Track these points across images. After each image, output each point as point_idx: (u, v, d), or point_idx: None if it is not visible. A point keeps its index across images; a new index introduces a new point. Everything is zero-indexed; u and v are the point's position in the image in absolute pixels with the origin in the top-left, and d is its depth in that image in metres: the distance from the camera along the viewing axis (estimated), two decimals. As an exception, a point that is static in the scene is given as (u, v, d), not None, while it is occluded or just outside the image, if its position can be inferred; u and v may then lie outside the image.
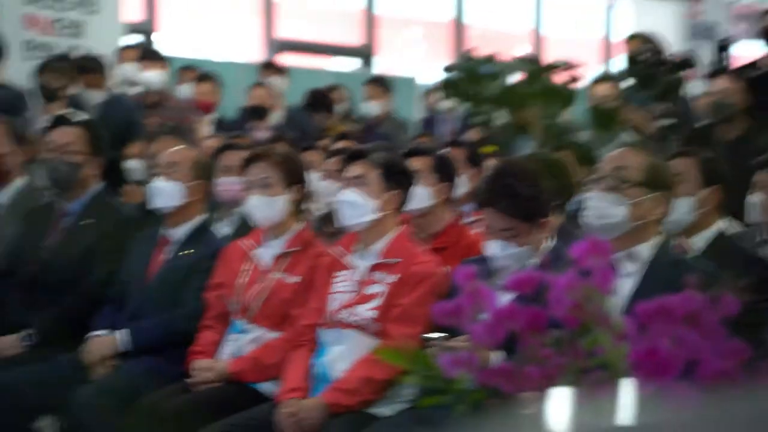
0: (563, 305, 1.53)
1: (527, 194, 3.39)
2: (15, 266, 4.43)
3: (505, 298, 1.93)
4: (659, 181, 3.14)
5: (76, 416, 3.82)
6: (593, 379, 1.47)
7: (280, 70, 8.75)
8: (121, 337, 4.05)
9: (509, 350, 1.55)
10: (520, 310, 1.58)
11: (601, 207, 3.12)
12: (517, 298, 1.68)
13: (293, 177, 3.98)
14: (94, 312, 4.20)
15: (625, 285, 3.01)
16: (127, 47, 8.26)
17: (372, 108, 8.79)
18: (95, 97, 7.13)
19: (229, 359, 3.86)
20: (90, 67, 7.19)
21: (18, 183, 4.83)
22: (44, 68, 6.94)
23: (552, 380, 1.52)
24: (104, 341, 4.06)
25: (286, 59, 11.37)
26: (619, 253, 3.05)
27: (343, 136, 6.04)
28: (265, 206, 3.94)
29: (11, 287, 4.38)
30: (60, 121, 4.58)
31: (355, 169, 3.75)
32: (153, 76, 7.47)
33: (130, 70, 7.80)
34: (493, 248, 3.40)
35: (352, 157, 3.82)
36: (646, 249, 3.10)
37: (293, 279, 3.91)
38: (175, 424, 3.58)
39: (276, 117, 8.24)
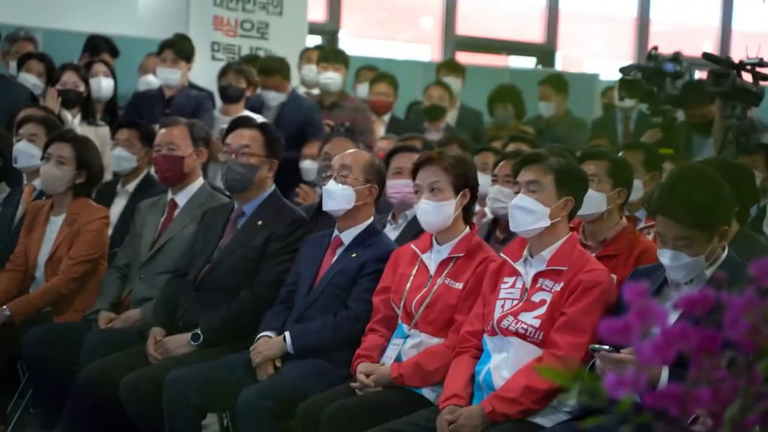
0: (740, 327, 1.44)
1: (704, 202, 3.26)
2: (189, 266, 4.55)
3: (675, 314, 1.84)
4: None
5: (241, 416, 3.89)
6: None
7: (457, 70, 8.71)
8: (288, 338, 4.10)
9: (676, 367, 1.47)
10: (693, 331, 1.50)
11: None
12: (687, 316, 1.59)
13: (463, 181, 3.94)
14: (263, 313, 4.27)
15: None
16: (309, 49, 8.38)
17: (545, 108, 8.65)
18: (276, 98, 7.26)
19: (392, 364, 3.85)
20: (273, 69, 7.32)
21: (196, 184, 4.95)
22: (227, 70, 7.12)
23: (724, 404, 1.45)
24: (272, 342, 4.12)
25: (464, 57, 11.35)
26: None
27: (515, 138, 5.95)
28: (433, 211, 3.91)
29: (185, 287, 4.50)
30: (237, 124, 4.66)
31: (529, 174, 3.68)
32: (331, 77, 7.56)
33: (310, 71, 7.92)
34: (666, 258, 3.29)
35: (526, 161, 3.75)
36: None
37: (457, 285, 3.87)
38: (337, 426, 3.60)
39: (451, 117, 8.21)
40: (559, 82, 8.77)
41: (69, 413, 4.41)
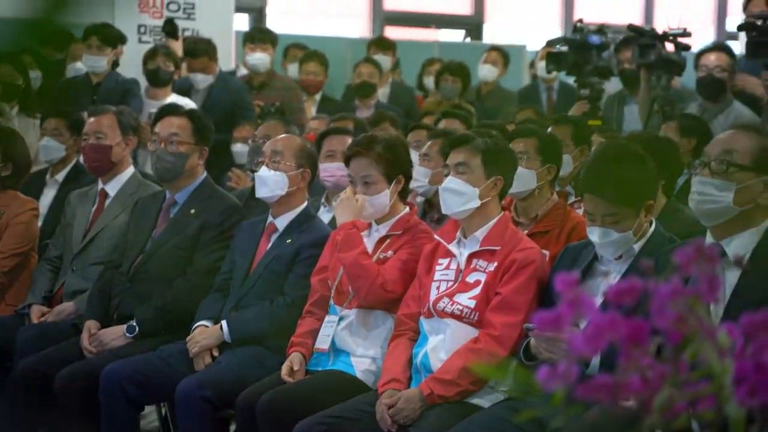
0: (666, 316, 1.47)
1: (629, 178, 3.31)
2: (123, 257, 4.52)
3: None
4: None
5: (180, 407, 3.88)
6: (696, 392, 1.42)
7: (387, 46, 8.70)
8: (225, 327, 4.09)
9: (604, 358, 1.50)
10: (621, 321, 1.52)
11: (706, 192, 3.02)
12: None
13: (395, 169, 3.94)
14: (199, 302, 4.26)
15: (727, 279, 2.91)
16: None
17: (489, 72, 8.65)
18: (204, 80, 7.20)
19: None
20: (199, 51, 7.25)
21: (126, 173, 4.91)
22: (155, 53, 7.04)
23: (653, 392, 1.48)
24: (209, 331, 4.11)
25: (393, 32, 11.34)
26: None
27: (448, 114, 5.97)
28: (368, 205, 3.92)
29: (119, 278, 4.47)
30: (165, 112, 4.62)
31: (457, 156, 3.70)
32: (259, 58, 7.51)
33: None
34: (595, 235, 3.33)
35: (454, 143, 3.77)
36: (751, 236, 2.99)
37: (387, 255, 3.88)
38: (275, 415, 3.60)
39: (383, 93, 8.21)
40: (505, 55, 8.82)
41: (3, 410, 4.36)
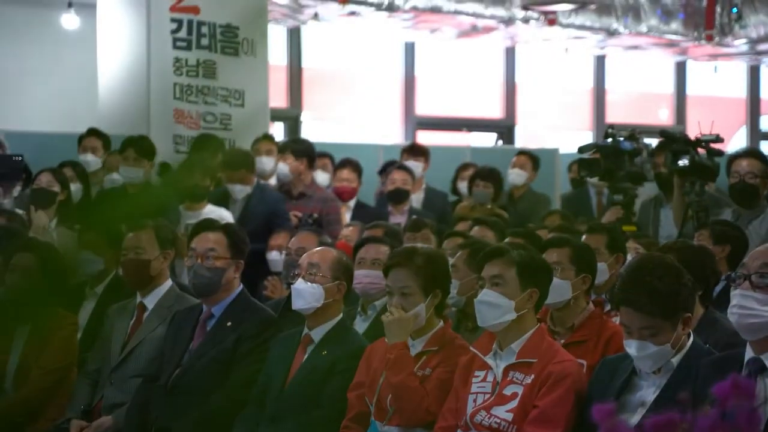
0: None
1: (667, 291, 3.31)
2: (160, 370, 4.55)
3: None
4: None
5: None
6: None
7: (419, 153, 8.77)
8: (262, 441, 4.09)
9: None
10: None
11: (748, 306, 3.02)
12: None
13: (433, 283, 3.96)
14: (236, 415, 4.26)
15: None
16: (258, 140, 8.21)
17: (518, 177, 8.71)
18: (242, 191, 7.28)
19: None
20: (237, 163, 7.34)
21: (164, 286, 4.96)
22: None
23: None
24: (246, 448, 4.11)
25: (425, 136, 11.47)
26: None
27: (479, 221, 6.01)
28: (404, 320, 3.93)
29: (157, 391, 4.49)
30: (201, 227, 4.70)
31: (492, 269, 3.73)
32: (285, 167, 7.63)
33: (262, 162, 7.86)
34: (633, 348, 3.33)
35: (488, 255, 3.79)
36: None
37: (425, 372, 3.88)
38: None
39: (416, 199, 8.27)
40: (534, 159, 8.90)
41: None
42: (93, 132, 7.81)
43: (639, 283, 3.34)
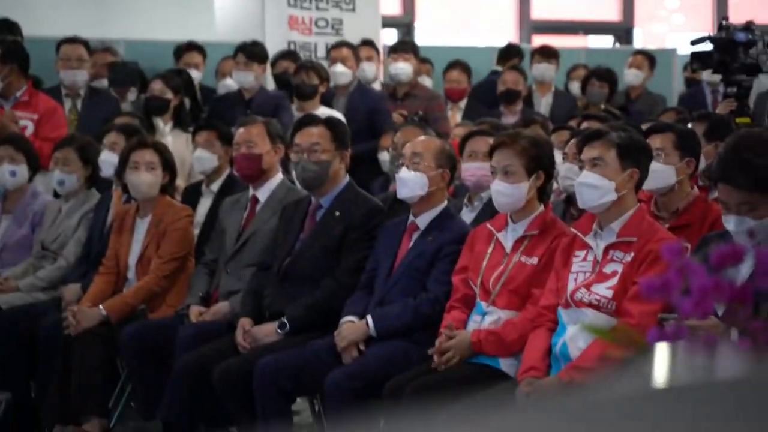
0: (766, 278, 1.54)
1: (764, 166, 3.31)
2: (273, 259, 4.72)
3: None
4: None
5: (329, 398, 4.05)
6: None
7: (549, 55, 8.65)
8: (370, 322, 4.24)
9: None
10: (724, 284, 1.59)
11: None
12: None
13: (537, 163, 4.02)
14: (346, 299, 4.42)
15: None
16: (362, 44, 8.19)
17: (634, 77, 8.63)
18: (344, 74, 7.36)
19: (473, 330, 3.95)
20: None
21: (276, 180, 5.11)
22: (299, 69, 7.27)
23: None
24: (355, 327, 4.26)
25: (540, 40, 11.34)
26: None
27: (587, 116, 6.00)
28: (506, 193, 4.01)
29: (270, 279, 4.67)
30: (303, 123, 4.81)
31: (592, 151, 3.77)
32: (402, 68, 7.68)
33: (366, 67, 7.89)
34: (731, 224, 3.34)
35: (588, 138, 3.83)
36: None
37: (532, 260, 3.97)
38: (420, 402, 3.72)
39: (546, 102, 8.29)
40: (651, 59, 8.80)
41: (167, 403, 4.62)
42: (192, 46, 7.97)
43: (735, 159, 3.34)
